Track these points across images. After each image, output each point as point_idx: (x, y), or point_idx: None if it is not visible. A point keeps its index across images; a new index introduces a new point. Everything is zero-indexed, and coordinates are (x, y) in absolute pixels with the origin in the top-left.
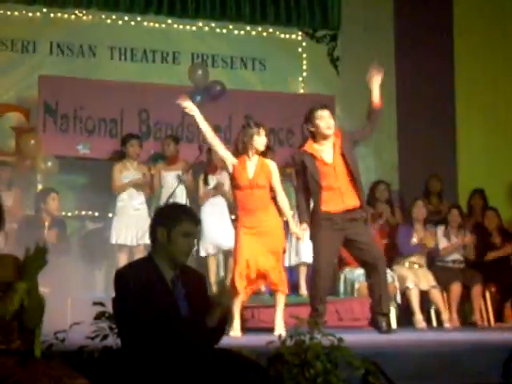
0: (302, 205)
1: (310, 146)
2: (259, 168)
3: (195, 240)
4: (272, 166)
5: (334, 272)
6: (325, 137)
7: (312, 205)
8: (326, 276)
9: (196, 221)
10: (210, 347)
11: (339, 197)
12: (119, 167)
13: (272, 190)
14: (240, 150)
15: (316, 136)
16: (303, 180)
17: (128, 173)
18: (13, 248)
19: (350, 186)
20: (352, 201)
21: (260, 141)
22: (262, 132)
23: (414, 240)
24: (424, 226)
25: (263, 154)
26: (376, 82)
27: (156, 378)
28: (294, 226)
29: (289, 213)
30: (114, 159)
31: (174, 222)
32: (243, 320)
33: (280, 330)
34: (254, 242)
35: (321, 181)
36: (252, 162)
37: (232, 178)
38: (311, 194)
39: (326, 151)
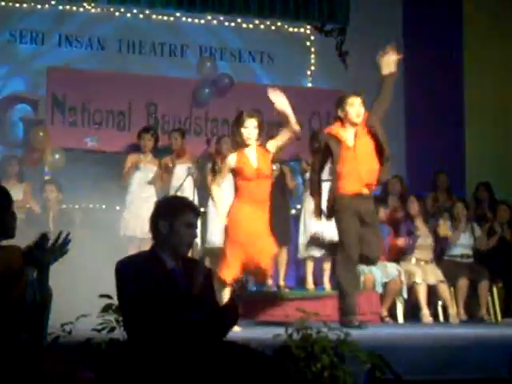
0: (314, 181)
1: (336, 129)
2: (261, 155)
3: (197, 231)
4: (267, 146)
5: None
6: (353, 124)
7: (332, 187)
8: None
9: (197, 212)
10: (217, 340)
11: (358, 181)
12: (132, 158)
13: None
14: (232, 140)
15: (344, 122)
16: (321, 160)
17: (140, 165)
18: (18, 239)
19: (371, 171)
20: (363, 188)
21: (245, 132)
22: (250, 124)
23: (418, 233)
24: (425, 222)
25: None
26: (389, 59)
27: (162, 371)
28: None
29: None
30: (129, 152)
31: (176, 214)
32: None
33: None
34: (254, 220)
35: (342, 165)
36: (252, 152)
37: (237, 170)
38: (331, 177)
39: (350, 134)
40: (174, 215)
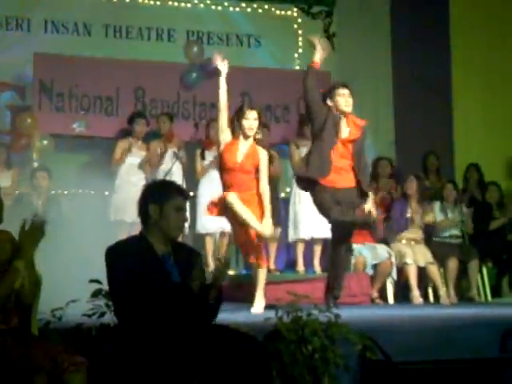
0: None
1: None
2: (249, 153)
3: (187, 214)
4: (262, 153)
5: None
6: (343, 113)
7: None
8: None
9: (186, 195)
10: (207, 323)
11: (339, 174)
12: (122, 144)
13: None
14: (232, 129)
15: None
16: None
17: (132, 150)
18: (6, 225)
19: (349, 170)
20: (346, 182)
21: (247, 124)
22: (251, 115)
23: (408, 215)
24: (420, 203)
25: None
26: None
27: (153, 355)
28: (269, 218)
29: (267, 203)
30: (119, 137)
31: (165, 198)
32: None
33: (259, 308)
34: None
35: (330, 151)
36: (243, 146)
37: (220, 157)
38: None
39: (343, 125)
40: (164, 199)
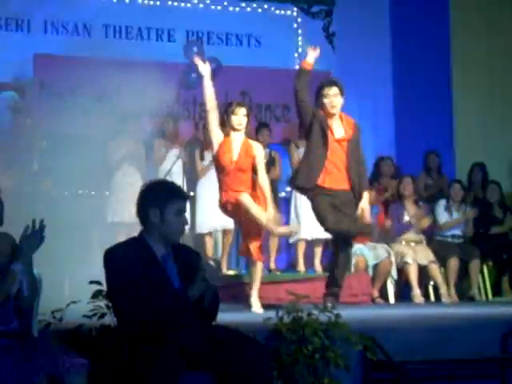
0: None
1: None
2: (244, 150)
3: (187, 216)
4: (257, 148)
5: None
6: (329, 115)
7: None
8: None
9: (186, 197)
10: (207, 324)
11: (336, 175)
12: (117, 143)
13: (254, 171)
14: (222, 125)
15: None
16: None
17: (124, 150)
18: (7, 228)
19: (343, 170)
20: (341, 184)
21: (235, 120)
22: (239, 111)
23: (406, 218)
24: (416, 204)
25: (257, 131)
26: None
27: (152, 356)
28: (272, 208)
29: (268, 194)
30: (115, 137)
31: (165, 202)
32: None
33: (259, 307)
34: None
35: (325, 151)
36: (236, 143)
37: (215, 158)
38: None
39: (337, 125)
40: (164, 203)
